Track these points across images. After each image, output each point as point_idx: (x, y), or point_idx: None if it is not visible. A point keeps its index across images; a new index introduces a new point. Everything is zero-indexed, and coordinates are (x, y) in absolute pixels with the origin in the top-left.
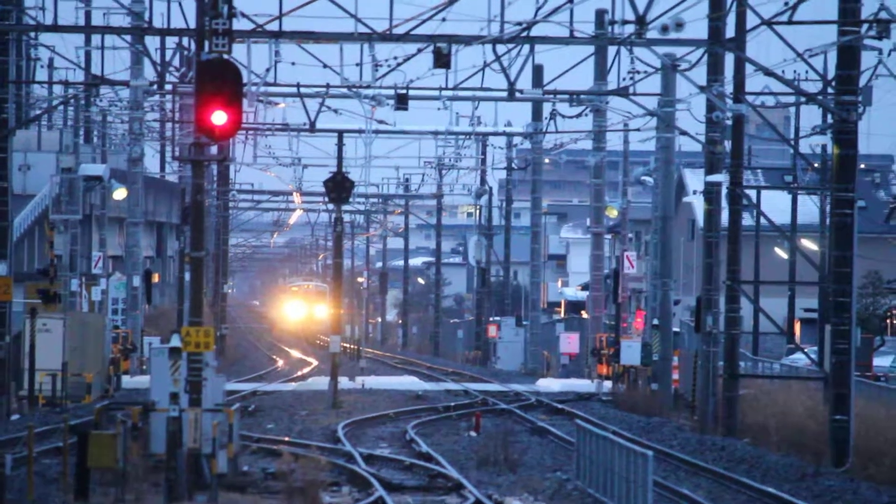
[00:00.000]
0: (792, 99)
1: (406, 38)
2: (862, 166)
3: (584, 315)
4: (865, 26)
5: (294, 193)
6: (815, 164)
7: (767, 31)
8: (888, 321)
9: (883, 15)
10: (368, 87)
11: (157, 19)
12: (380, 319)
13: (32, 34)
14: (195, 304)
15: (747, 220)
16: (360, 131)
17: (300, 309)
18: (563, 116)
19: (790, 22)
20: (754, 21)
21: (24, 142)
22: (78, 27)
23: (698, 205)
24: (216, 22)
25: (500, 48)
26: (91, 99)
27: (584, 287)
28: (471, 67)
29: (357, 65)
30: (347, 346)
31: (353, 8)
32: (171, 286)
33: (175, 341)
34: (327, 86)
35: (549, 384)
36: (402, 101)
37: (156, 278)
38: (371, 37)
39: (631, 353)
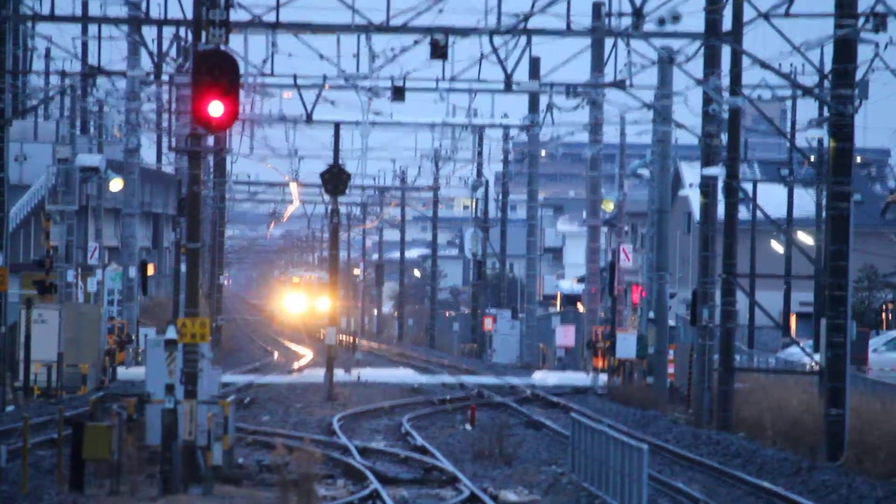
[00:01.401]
0: (788, 92)
1: (403, 29)
2: (858, 160)
3: (580, 308)
4: (862, 19)
5: (291, 183)
6: (812, 158)
7: (764, 24)
8: (883, 315)
9: (880, 8)
10: (365, 78)
11: (154, 9)
12: (376, 311)
13: (29, 24)
14: (191, 295)
15: (743, 213)
16: (356, 123)
17: (301, 301)
18: (560, 109)
19: (787, 15)
20: (751, 14)
21: (20, 132)
22: (75, 17)
23: (695, 198)
24: (213, 13)
25: (497, 40)
26: (88, 89)
27: (580, 280)
28: (467, 59)
29: (354, 56)
30: (343, 338)
31: None
32: (167, 277)
33: (171, 332)
34: (324, 77)
35: (545, 377)
36: (398, 93)
37: (152, 269)
38: (368, 28)
39: (627, 346)
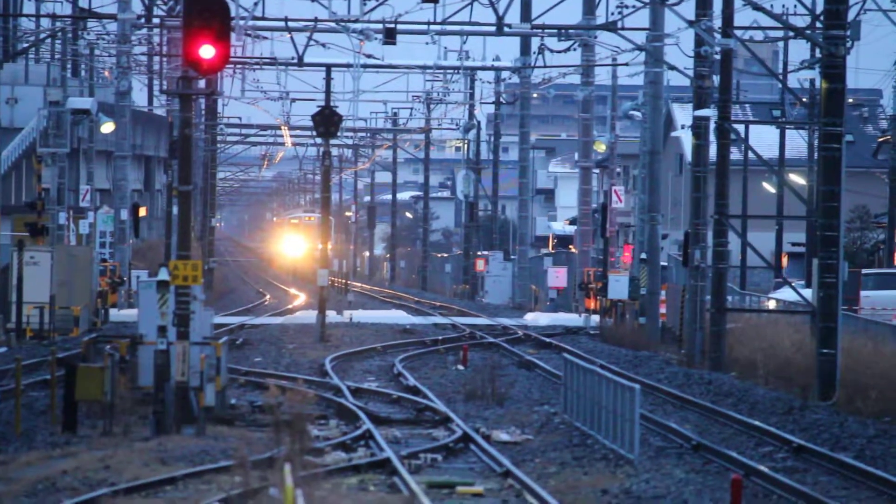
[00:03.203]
0: (780, 33)
1: None
2: (850, 101)
3: (572, 249)
4: None
5: (282, 127)
6: (804, 99)
7: None
8: (875, 255)
9: None
10: (356, 21)
11: None
12: (367, 254)
13: None
14: (183, 238)
15: (735, 154)
16: (348, 66)
17: (301, 244)
18: (552, 51)
19: None
20: None
21: (11, 75)
22: None
23: (686, 139)
24: None
25: None
26: (79, 32)
27: (572, 221)
28: (459, 2)
29: None
30: (335, 279)
31: None
32: (158, 220)
33: (163, 274)
34: (315, 19)
35: (537, 318)
36: (390, 36)
37: (143, 212)
38: None
39: (619, 287)
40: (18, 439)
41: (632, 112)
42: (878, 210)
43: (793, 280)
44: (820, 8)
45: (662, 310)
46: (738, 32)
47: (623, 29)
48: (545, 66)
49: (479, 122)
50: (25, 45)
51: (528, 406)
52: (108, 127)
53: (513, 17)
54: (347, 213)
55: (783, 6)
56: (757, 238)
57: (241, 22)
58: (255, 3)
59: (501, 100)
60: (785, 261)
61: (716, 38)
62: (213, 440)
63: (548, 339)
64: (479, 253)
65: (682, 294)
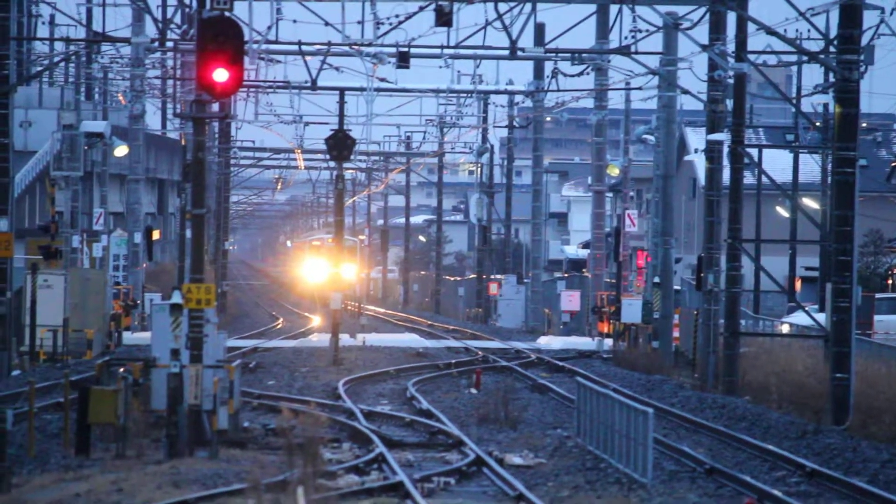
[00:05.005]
0: (794, 58)
1: None
2: (863, 125)
3: (586, 273)
4: None
5: (295, 150)
6: (817, 123)
7: None
8: (889, 280)
9: None
10: (370, 44)
11: None
12: (381, 276)
13: None
14: (196, 261)
15: (749, 178)
16: (361, 89)
17: (323, 267)
18: (565, 75)
19: None
20: None
21: (25, 98)
22: None
23: (700, 163)
24: None
25: (502, 6)
26: (92, 56)
27: (586, 245)
28: (472, 25)
29: (359, 22)
30: (349, 303)
31: None
32: (172, 243)
33: (176, 298)
34: (329, 43)
35: (550, 342)
36: (403, 60)
37: (157, 235)
38: None
39: (632, 310)
40: (32, 462)
41: (645, 136)
42: (892, 234)
43: (806, 304)
44: (834, 33)
45: (676, 334)
46: (751, 57)
47: (636, 53)
48: (558, 90)
49: (492, 146)
50: (39, 68)
51: (541, 430)
52: (121, 150)
53: (526, 41)
54: (361, 237)
55: (797, 31)
56: (770, 262)
57: (255, 46)
58: (269, 27)
59: (514, 123)
60: (798, 285)
61: (729, 62)
62: (226, 463)
63: (561, 363)
64: (492, 276)
65: (695, 318)
